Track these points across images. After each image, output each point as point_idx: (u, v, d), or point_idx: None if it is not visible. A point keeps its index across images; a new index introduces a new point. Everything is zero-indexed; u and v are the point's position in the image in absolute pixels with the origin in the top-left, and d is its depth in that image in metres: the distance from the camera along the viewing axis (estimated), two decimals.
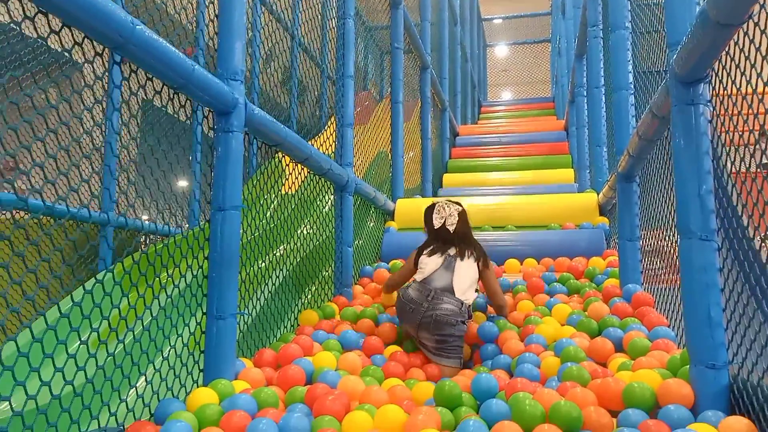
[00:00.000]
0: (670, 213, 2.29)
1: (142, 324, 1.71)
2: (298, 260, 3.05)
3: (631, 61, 3.04)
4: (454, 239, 2.74)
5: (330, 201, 3.48)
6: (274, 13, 3.96)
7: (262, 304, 2.57)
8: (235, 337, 1.95)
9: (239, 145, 2.05)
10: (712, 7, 1.37)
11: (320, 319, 2.75)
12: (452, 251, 2.70)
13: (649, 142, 2.31)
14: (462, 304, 2.54)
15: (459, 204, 2.89)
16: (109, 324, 1.52)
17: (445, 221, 2.79)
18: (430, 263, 2.68)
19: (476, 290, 2.70)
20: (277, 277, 2.83)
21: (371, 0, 4.69)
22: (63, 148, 1.40)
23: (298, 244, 3.11)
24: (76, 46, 1.45)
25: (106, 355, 1.53)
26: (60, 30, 1.39)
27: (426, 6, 6.34)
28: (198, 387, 1.87)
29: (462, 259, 2.68)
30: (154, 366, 1.71)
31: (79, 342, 1.42)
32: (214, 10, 2.10)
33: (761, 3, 1.31)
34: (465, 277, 2.63)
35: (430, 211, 2.88)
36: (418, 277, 2.66)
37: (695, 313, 1.67)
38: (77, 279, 1.51)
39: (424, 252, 2.75)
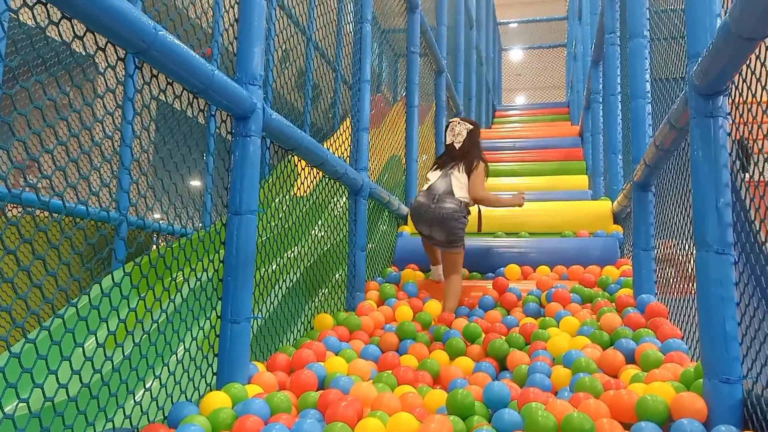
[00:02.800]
0: (686, 223, 2.28)
1: (158, 326, 1.73)
2: (310, 263, 3.06)
3: (648, 70, 3.03)
4: (458, 155, 3.37)
5: (342, 203, 3.48)
6: (291, 17, 3.98)
7: (275, 307, 2.58)
8: (249, 341, 1.96)
9: (257, 149, 2.06)
10: (734, 21, 1.36)
11: (334, 324, 2.76)
12: (451, 165, 3.35)
13: (666, 152, 2.30)
14: (461, 202, 3.25)
15: (472, 123, 3.49)
16: (126, 326, 1.54)
17: (454, 140, 3.43)
18: (432, 176, 3.40)
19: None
20: (290, 279, 2.84)
21: (385, 3, 4.70)
22: (84, 152, 1.42)
23: (311, 246, 3.12)
24: (89, 49, 1.47)
25: (121, 356, 1.54)
26: (84, 35, 1.41)
27: (442, 10, 6.35)
28: (211, 390, 1.88)
29: (458, 170, 3.33)
30: (168, 369, 1.73)
31: (96, 345, 1.44)
32: (234, 15, 2.12)
33: None
34: (460, 182, 3.29)
35: (446, 126, 3.53)
36: (424, 186, 3.38)
37: (710, 326, 1.66)
38: (86, 267, 1.52)
39: (432, 168, 3.48)
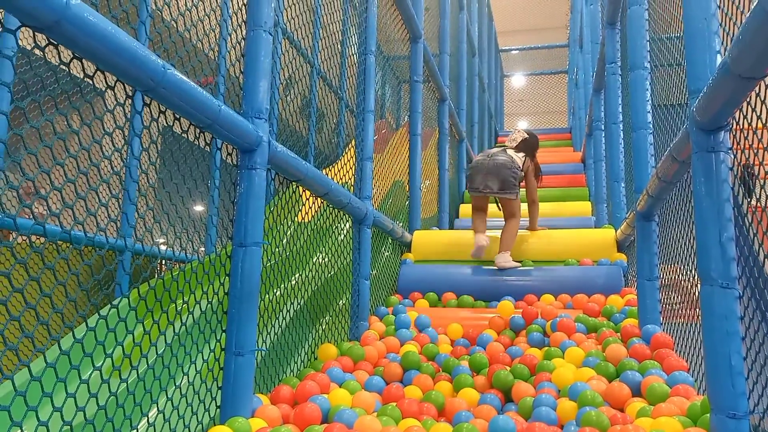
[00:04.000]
0: (690, 252, 2.28)
1: (162, 358, 1.73)
2: (313, 290, 3.06)
3: (650, 101, 3.05)
4: (512, 145, 4.26)
5: (346, 229, 3.49)
6: (298, 48, 4.03)
7: (278, 336, 2.57)
8: (253, 373, 1.96)
9: (262, 181, 2.08)
10: (734, 60, 1.38)
11: (339, 355, 2.75)
12: (505, 147, 4.24)
13: (668, 184, 2.31)
14: (512, 159, 4.06)
15: (530, 135, 4.33)
16: (130, 360, 1.54)
17: (507, 143, 4.29)
18: (490, 149, 4.27)
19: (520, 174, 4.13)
20: (293, 306, 2.83)
21: (389, 30, 4.76)
22: (92, 189, 1.44)
23: (314, 273, 3.11)
24: (100, 80, 1.50)
25: (124, 388, 1.54)
26: (94, 74, 1.44)
27: (445, 39, 6.43)
28: (215, 423, 1.87)
29: (512, 150, 4.17)
30: (172, 403, 1.72)
31: (101, 380, 1.44)
32: (241, 50, 2.16)
33: None
34: (513, 154, 4.12)
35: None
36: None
37: (716, 361, 1.65)
38: (92, 303, 1.53)
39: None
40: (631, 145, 3.30)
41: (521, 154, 4.17)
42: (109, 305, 1.57)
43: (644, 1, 3.11)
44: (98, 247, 2.75)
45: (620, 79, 4.37)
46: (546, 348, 2.80)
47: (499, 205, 4.16)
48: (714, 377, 1.66)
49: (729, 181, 1.70)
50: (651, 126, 3.02)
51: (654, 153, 3.03)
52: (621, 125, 4.41)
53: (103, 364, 1.44)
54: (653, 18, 3.14)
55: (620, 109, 4.39)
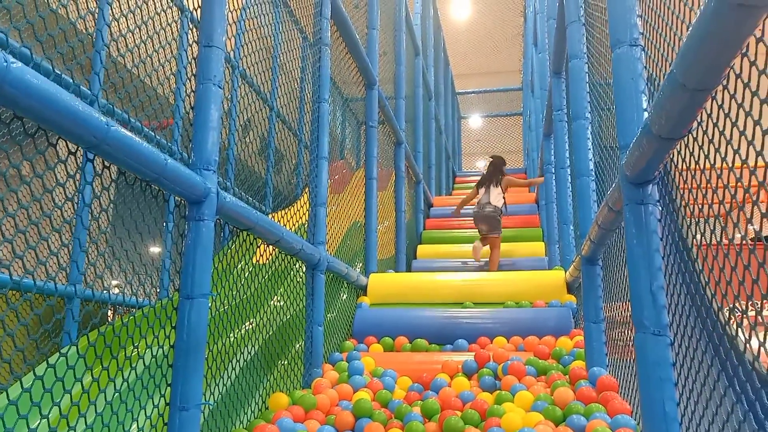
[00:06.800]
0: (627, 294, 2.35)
1: (101, 417, 1.69)
2: (267, 336, 3.03)
3: (591, 149, 3.18)
4: (489, 176, 6.18)
5: (302, 271, 3.49)
6: (256, 90, 4.06)
7: (227, 387, 2.54)
8: (199, 428, 1.93)
9: (209, 232, 2.08)
10: (653, 122, 1.47)
11: (290, 404, 2.72)
12: (488, 184, 6.10)
13: (607, 231, 2.41)
14: (495, 207, 5.91)
15: (493, 158, 6.38)
16: (67, 421, 1.51)
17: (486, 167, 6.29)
18: (480, 193, 6.13)
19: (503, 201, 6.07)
20: (245, 354, 2.80)
21: (346, 74, 4.84)
22: (31, 247, 1.43)
23: (267, 318, 3.09)
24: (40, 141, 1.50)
25: None
26: (35, 133, 1.45)
27: (401, 83, 6.58)
28: None
29: (493, 187, 6.06)
30: None
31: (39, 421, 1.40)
32: (191, 103, 2.19)
33: (699, 120, 1.42)
34: (495, 195, 6.00)
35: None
36: (476, 201, 6.09)
37: (651, 407, 1.71)
38: (28, 364, 1.50)
39: (481, 186, 6.18)
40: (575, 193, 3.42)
41: (498, 190, 6.04)
42: (41, 365, 1.54)
43: (584, 55, 3.27)
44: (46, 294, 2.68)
45: (567, 125, 4.53)
46: (497, 392, 2.83)
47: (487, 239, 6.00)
48: (649, 423, 1.71)
49: (658, 232, 1.78)
50: (593, 173, 3.14)
51: (597, 199, 3.14)
52: (569, 170, 4.56)
53: (38, 426, 1.40)
54: (600, 62, 3.29)
55: (567, 155, 4.55)
